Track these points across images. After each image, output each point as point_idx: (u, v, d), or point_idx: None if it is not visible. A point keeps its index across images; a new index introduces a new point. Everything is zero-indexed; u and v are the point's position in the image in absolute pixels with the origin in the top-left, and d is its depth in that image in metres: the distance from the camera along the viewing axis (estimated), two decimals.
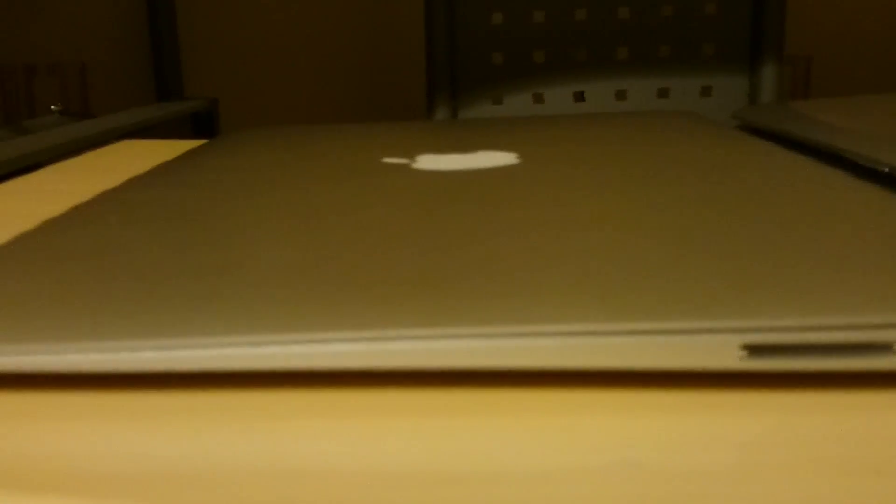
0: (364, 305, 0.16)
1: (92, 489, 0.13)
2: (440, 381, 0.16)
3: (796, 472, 0.13)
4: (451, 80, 0.90)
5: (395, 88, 1.21)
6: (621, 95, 0.89)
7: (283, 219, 0.24)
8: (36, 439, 0.15)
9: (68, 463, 0.14)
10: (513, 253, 0.19)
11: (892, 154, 0.32)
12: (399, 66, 1.20)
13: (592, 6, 0.88)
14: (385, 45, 1.20)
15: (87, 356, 0.16)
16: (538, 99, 0.90)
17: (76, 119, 0.67)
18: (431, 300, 0.16)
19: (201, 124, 0.88)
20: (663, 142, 0.33)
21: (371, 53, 1.20)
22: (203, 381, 0.17)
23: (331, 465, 0.14)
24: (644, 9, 0.87)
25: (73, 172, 0.43)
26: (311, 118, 1.21)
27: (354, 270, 0.18)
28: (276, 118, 1.21)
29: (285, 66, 1.19)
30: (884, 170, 0.31)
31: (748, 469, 0.13)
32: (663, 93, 0.89)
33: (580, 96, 0.90)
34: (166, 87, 1.07)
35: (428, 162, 0.32)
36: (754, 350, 0.15)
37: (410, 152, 0.34)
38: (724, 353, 0.15)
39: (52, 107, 0.67)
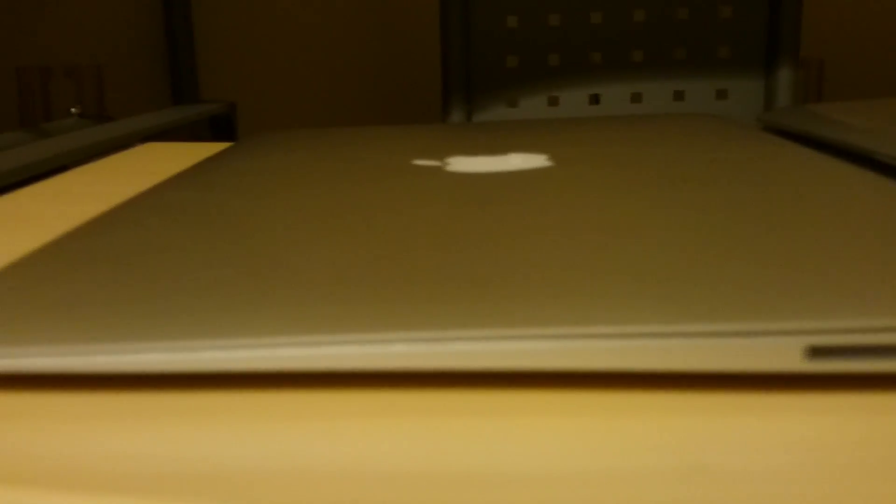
0: (419, 305, 0.16)
1: (103, 488, 0.13)
2: (492, 382, 0.16)
3: (856, 474, 0.13)
4: (466, 83, 0.90)
5: (410, 91, 1.21)
6: (636, 98, 0.89)
7: (325, 221, 0.24)
8: (74, 439, 0.15)
9: (104, 463, 0.14)
10: (566, 255, 0.19)
11: None
12: (414, 70, 1.21)
13: (608, 9, 0.88)
14: (399, 49, 1.20)
15: (124, 357, 0.16)
16: (553, 102, 0.90)
17: (95, 121, 0.68)
18: (483, 302, 0.16)
19: (219, 127, 0.89)
20: (696, 144, 0.33)
21: (385, 56, 1.20)
22: (204, 382, 0.17)
23: (337, 466, 0.14)
24: (659, 11, 0.87)
25: (100, 174, 0.43)
26: (325, 121, 1.22)
27: (401, 272, 0.18)
28: (290, 121, 1.21)
29: (300, 68, 1.20)
30: None
31: (808, 471, 0.13)
32: (678, 95, 0.89)
33: (595, 99, 0.90)
34: (181, 90, 1.08)
35: (460, 164, 0.32)
36: (817, 352, 0.15)
37: (440, 154, 0.34)
38: (787, 355, 0.15)
39: (72, 109, 0.67)
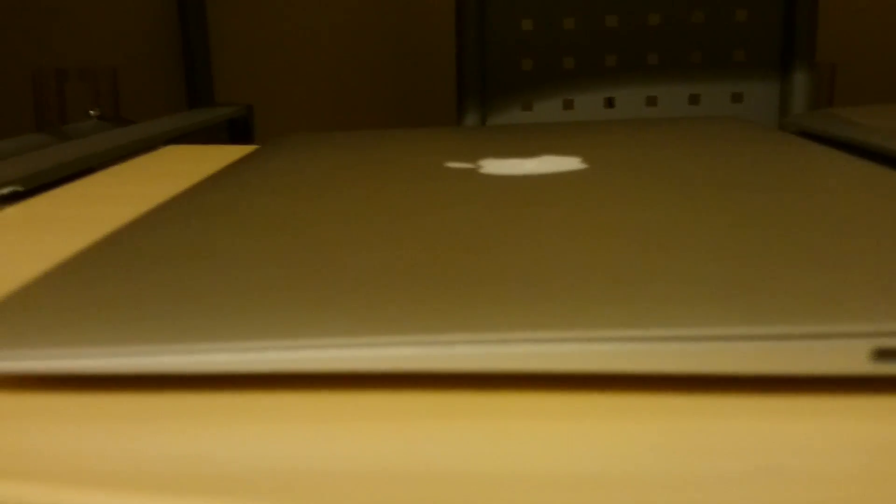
0: (480, 307, 0.17)
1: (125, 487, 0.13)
2: (517, 384, 0.16)
3: None
4: (481, 87, 0.90)
5: (424, 94, 1.21)
6: (651, 101, 0.89)
7: (369, 222, 0.24)
8: (125, 438, 0.15)
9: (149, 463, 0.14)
10: (618, 259, 0.19)
11: None
12: (428, 73, 1.21)
13: (623, 12, 0.88)
14: (414, 51, 1.20)
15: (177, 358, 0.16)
16: (568, 105, 0.90)
17: (114, 124, 0.68)
18: (532, 303, 0.17)
19: (236, 130, 0.89)
20: (729, 148, 0.33)
21: (399, 59, 1.20)
22: (206, 383, 0.17)
23: (341, 466, 0.14)
24: (675, 15, 0.87)
25: (128, 176, 0.43)
26: (338, 125, 1.22)
27: (451, 272, 0.19)
28: (304, 123, 1.21)
29: (313, 71, 1.20)
30: None
31: (873, 474, 0.13)
32: (693, 99, 0.89)
33: (609, 102, 0.90)
34: (196, 93, 1.08)
35: (493, 166, 0.32)
36: (883, 354, 0.15)
37: (471, 157, 0.34)
38: (853, 358, 0.15)
39: (91, 112, 0.68)
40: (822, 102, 1.28)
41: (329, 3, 1.18)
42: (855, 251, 0.19)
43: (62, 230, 0.32)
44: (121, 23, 1.16)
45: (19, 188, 0.39)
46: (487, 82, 0.90)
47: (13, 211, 0.35)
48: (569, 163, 0.32)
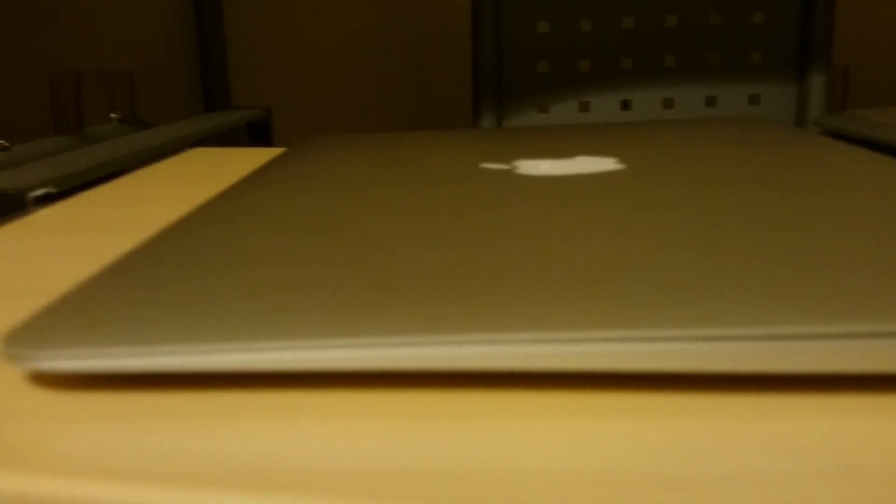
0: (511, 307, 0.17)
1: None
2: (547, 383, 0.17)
3: None
4: (497, 89, 0.90)
5: (440, 96, 1.22)
6: (668, 104, 0.89)
7: (409, 224, 0.24)
8: (228, 438, 0.15)
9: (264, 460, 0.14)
10: (673, 258, 0.19)
11: None
12: (444, 75, 1.21)
13: (640, 14, 0.88)
14: (430, 53, 1.20)
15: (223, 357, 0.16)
16: (584, 107, 0.90)
17: (134, 127, 0.68)
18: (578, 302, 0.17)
19: (256, 132, 0.89)
20: (764, 148, 0.33)
21: (415, 61, 1.21)
22: (214, 383, 0.17)
23: (350, 464, 0.14)
24: (691, 17, 0.87)
25: (158, 179, 0.44)
26: (354, 127, 1.22)
27: (502, 272, 0.19)
28: (321, 125, 1.22)
29: (330, 73, 1.20)
30: None
31: (873, 474, 0.13)
32: (710, 101, 0.89)
33: (626, 105, 0.90)
34: (213, 96, 1.08)
35: (528, 167, 0.32)
36: None
37: (504, 158, 0.34)
38: (891, 357, 0.15)
39: (112, 115, 0.68)
40: (837, 104, 1.27)
41: (343, 6, 1.19)
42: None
43: (100, 231, 0.32)
44: (138, 26, 1.17)
45: (53, 190, 0.39)
46: (503, 84, 0.90)
47: (49, 212, 0.36)
48: (605, 163, 0.32)
